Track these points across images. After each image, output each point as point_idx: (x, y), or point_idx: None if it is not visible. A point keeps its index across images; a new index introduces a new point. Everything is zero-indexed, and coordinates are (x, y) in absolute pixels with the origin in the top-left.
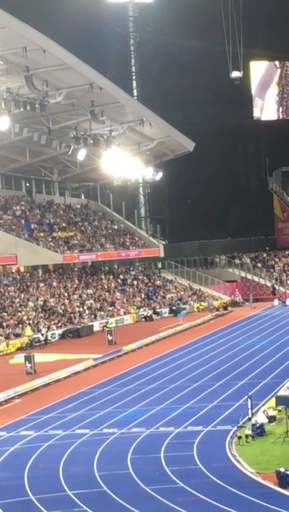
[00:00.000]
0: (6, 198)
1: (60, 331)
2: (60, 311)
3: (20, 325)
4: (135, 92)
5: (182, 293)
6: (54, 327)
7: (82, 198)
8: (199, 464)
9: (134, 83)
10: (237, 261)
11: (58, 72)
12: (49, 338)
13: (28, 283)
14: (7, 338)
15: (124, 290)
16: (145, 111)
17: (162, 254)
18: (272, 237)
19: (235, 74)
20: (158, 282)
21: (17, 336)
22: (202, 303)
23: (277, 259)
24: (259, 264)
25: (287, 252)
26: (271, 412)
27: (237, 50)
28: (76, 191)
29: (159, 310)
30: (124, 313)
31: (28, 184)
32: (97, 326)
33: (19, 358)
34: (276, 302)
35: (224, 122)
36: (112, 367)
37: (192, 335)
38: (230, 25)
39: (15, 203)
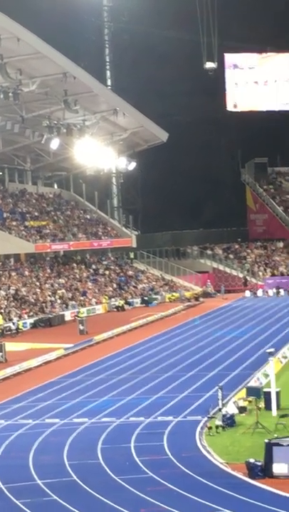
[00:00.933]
0: None
1: (31, 320)
2: (32, 300)
3: None
4: (109, 82)
5: (154, 283)
6: (26, 316)
7: (55, 187)
8: (169, 454)
9: (108, 73)
10: (209, 252)
11: (32, 61)
12: (20, 327)
13: (0, 272)
14: None
15: (96, 280)
16: (119, 101)
17: (134, 245)
18: (244, 228)
19: (210, 65)
20: (130, 272)
21: None
22: (174, 293)
23: (249, 251)
24: (231, 256)
25: (259, 244)
26: (241, 403)
27: (212, 41)
28: (49, 180)
29: (130, 300)
30: (96, 303)
31: (0, 173)
32: (68, 315)
33: None
34: (247, 293)
35: (198, 113)
36: (83, 356)
37: (164, 325)
38: (205, 16)
39: None
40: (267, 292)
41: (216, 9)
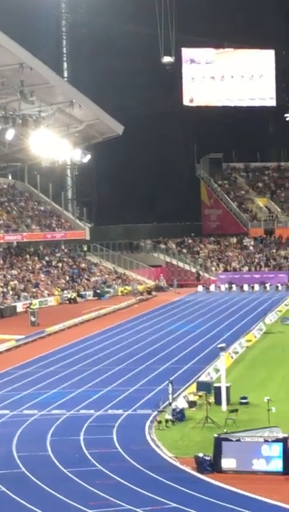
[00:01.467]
0: None
1: None
2: None
3: None
4: (66, 74)
5: (107, 276)
6: None
7: (9, 178)
8: (118, 447)
9: (65, 65)
10: (162, 246)
11: None
12: None
13: None
14: None
15: (49, 272)
16: (75, 93)
17: (88, 237)
18: (198, 223)
19: (167, 59)
20: (83, 265)
21: None
22: (126, 287)
23: (202, 246)
24: (184, 250)
25: (212, 239)
26: (192, 398)
27: (169, 35)
28: (3, 171)
29: (83, 293)
30: (48, 294)
31: None
32: (20, 307)
33: None
34: (200, 288)
35: (155, 107)
36: (34, 348)
37: (116, 318)
38: (164, 11)
39: None
40: (219, 287)
41: (174, 4)
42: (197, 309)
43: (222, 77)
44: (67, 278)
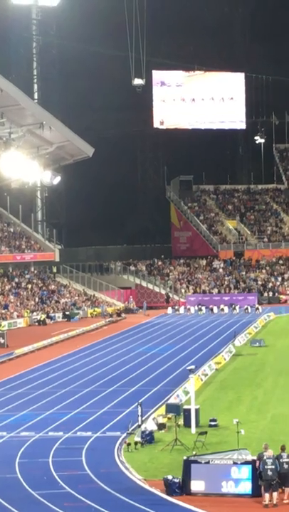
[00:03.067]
0: None
1: None
2: None
3: None
4: (36, 96)
5: (76, 298)
6: None
7: None
8: (87, 469)
9: (36, 86)
10: (132, 268)
11: None
12: None
13: None
14: None
15: (18, 293)
16: (45, 114)
17: (58, 259)
18: (168, 245)
19: (138, 81)
20: (52, 286)
21: None
22: (96, 309)
23: (172, 268)
24: (154, 272)
25: (182, 261)
26: (161, 420)
27: (140, 57)
28: None
29: (52, 314)
30: (18, 316)
31: None
32: None
33: None
34: (170, 310)
35: (125, 129)
36: (3, 370)
37: (85, 340)
38: (134, 33)
39: None
40: (189, 309)
41: (145, 26)
42: (167, 331)
43: (192, 100)
44: (37, 300)
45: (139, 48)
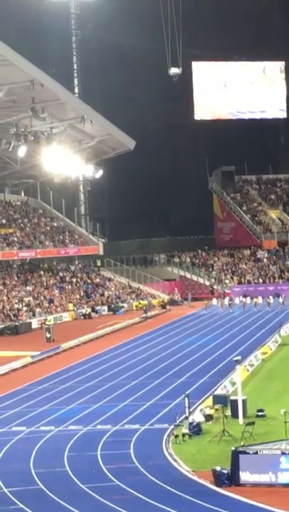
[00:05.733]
0: None
1: None
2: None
3: None
4: (76, 90)
5: (121, 291)
6: None
7: (22, 194)
8: (136, 462)
9: (76, 80)
10: (176, 260)
11: None
12: None
13: None
14: None
15: (63, 288)
16: (86, 108)
17: (101, 252)
18: (211, 236)
19: (174, 70)
20: (97, 280)
21: None
22: (141, 301)
23: (216, 259)
24: (198, 263)
25: (226, 252)
26: (208, 411)
27: (177, 48)
28: (16, 188)
29: (97, 308)
30: (63, 310)
31: None
32: (35, 323)
33: None
34: (214, 301)
35: (166, 121)
36: (50, 364)
37: (130, 333)
38: (171, 24)
39: None
40: (233, 300)
41: (182, 17)
42: (212, 322)
43: (232, 90)
44: (82, 293)
45: (176, 38)
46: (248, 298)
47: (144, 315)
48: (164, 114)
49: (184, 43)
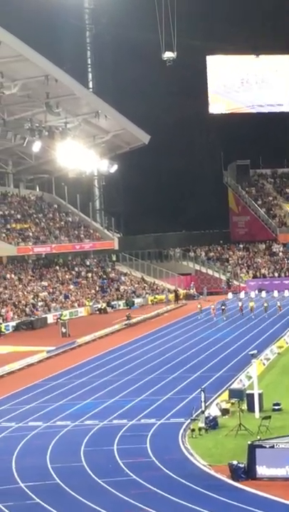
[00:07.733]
0: None
1: (14, 323)
2: (15, 302)
3: None
4: (91, 85)
5: (136, 285)
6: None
7: (37, 190)
8: (152, 456)
9: (90, 75)
10: (191, 254)
11: (14, 64)
12: (3, 330)
13: None
14: None
15: (79, 282)
16: (100, 103)
17: (117, 247)
18: (226, 230)
19: (168, 54)
20: (112, 275)
21: None
22: (157, 296)
23: (231, 253)
24: (214, 257)
25: (241, 246)
26: (224, 405)
27: (171, 32)
28: (31, 183)
29: (113, 303)
30: (78, 305)
31: None
32: (51, 318)
33: None
34: (230, 295)
35: (180, 115)
36: (65, 359)
37: (146, 328)
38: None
39: None
40: (249, 294)
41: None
42: (228, 317)
43: (247, 84)
44: (97, 288)
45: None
46: (264, 292)
47: (126, 322)
48: (179, 108)
49: (198, 36)
